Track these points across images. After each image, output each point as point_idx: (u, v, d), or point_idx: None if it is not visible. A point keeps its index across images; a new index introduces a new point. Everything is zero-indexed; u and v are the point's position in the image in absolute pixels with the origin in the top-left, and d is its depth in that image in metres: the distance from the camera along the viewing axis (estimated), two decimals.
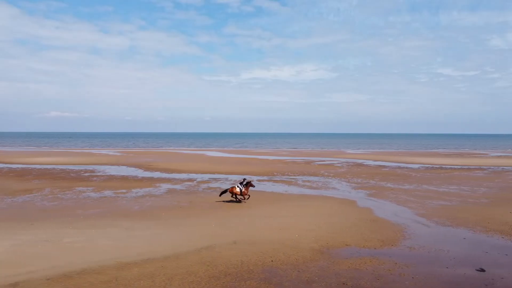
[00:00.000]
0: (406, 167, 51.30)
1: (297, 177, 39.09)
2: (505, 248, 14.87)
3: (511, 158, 69.89)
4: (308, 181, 36.09)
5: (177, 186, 31.76)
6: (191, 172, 42.55)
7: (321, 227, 17.88)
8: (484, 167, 50.61)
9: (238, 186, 24.16)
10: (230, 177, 38.86)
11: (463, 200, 25.58)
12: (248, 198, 24.62)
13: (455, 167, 51.45)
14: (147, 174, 41.18)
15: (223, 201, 24.55)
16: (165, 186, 31.64)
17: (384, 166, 52.35)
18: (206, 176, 39.05)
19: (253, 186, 25.62)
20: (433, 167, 51.67)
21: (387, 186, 32.82)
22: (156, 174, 40.72)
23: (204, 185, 32.54)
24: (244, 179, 25.21)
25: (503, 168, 49.35)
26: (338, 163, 56.58)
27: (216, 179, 36.77)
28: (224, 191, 24.43)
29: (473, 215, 20.74)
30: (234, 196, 24.28)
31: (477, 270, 12.43)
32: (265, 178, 38.01)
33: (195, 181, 35.13)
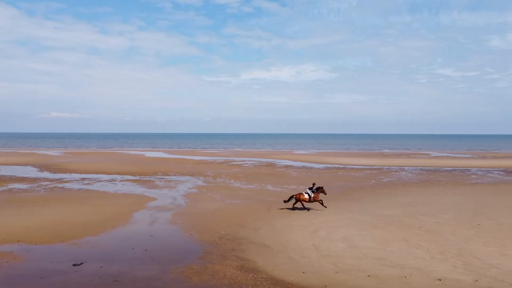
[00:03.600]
0: (309, 167, 51.81)
1: (171, 177, 39.60)
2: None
3: (441, 159, 69.83)
4: (169, 181, 36.66)
5: (27, 186, 32.51)
6: (85, 173, 42.98)
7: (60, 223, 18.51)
8: (384, 167, 50.89)
9: (306, 192, 22.32)
10: (105, 177, 39.57)
11: (253, 198, 26.05)
12: (322, 203, 22.46)
13: (357, 167, 51.70)
14: (37, 174, 41.77)
15: (287, 209, 22.53)
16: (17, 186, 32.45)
17: (289, 166, 52.77)
18: (89, 176, 39.89)
19: (325, 193, 22.99)
20: (335, 167, 52.01)
21: (236, 185, 33.36)
22: (45, 175, 41.50)
23: (60, 185, 33.31)
24: (314, 184, 23.20)
25: (389, 168, 49.56)
26: (251, 164, 57.01)
27: (89, 179, 37.55)
28: (291, 198, 22.49)
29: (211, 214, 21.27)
30: (297, 203, 22.40)
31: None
32: (129, 177, 38.70)
33: (57, 181, 35.90)
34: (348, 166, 52.78)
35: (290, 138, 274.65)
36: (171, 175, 41.01)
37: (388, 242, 15.45)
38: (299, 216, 20.72)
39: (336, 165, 54.34)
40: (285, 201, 22.84)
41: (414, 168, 50.97)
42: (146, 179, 37.80)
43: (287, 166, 52.89)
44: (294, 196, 22.51)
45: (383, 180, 37.57)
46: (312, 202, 22.39)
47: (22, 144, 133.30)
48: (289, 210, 22.39)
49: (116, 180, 36.78)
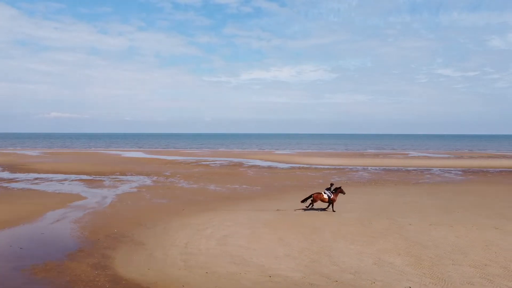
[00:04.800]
0: (274, 167, 52.20)
1: (125, 177, 39.91)
2: None
3: (414, 159, 70.00)
4: (119, 180, 37.00)
5: None
6: (43, 173, 43.29)
7: None
8: (348, 167, 51.16)
9: (325, 192, 21.54)
10: (59, 176, 39.97)
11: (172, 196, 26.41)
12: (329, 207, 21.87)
13: (321, 167, 52.00)
14: None
15: (304, 209, 21.91)
16: None
17: (254, 166, 53.09)
18: (44, 176, 40.38)
19: (343, 193, 22.24)
20: (299, 167, 52.32)
21: (180, 185, 33.75)
22: (2, 174, 41.96)
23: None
24: (332, 184, 22.41)
25: (353, 168, 49.79)
26: (219, 164, 57.37)
27: (41, 179, 37.99)
28: (308, 198, 21.74)
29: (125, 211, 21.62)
30: (312, 203, 21.64)
31: None
32: (83, 177, 39.08)
33: (7, 181, 36.34)
34: (313, 166, 53.05)
35: (287, 138, 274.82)
36: (127, 175, 41.38)
37: (261, 240, 15.73)
38: (202, 215, 20.96)
39: (302, 165, 54.61)
40: (302, 201, 21.84)
41: (378, 168, 51.19)
42: (98, 179, 38.15)
43: (251, 166, 53.18)
44: (312, 196, 21.53)
45: (331, 180, 37.79)
46: (330, 202, 21.46)
47: (12, 144, 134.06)
48: (201, 209, 22.66)
49: (67, 180, 37.13)
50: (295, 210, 21.99)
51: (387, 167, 51.88)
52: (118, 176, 40.15)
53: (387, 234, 16.61)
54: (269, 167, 52.16)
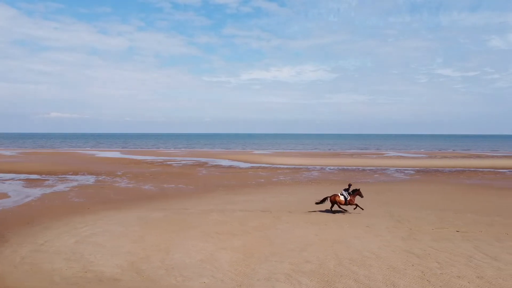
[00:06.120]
0: (235, 167, 52.56)
1: (73, 176, 40.34)
2: None
3: (383, 159, 70.13)
4: (63, 180, 37.43)
5: None
6: None
7: None
8: (307, 167, 51.50)
9: (342, 194, 20.93)
10: (7, 176, 40.47)
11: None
12: (355, 208, 21.13)
13: (280, 166, 52.34)
14: None
15: (319, 211, 21.36)
16: None
17: (214, 166, 53.48)
18: None
19: (362, 196, 21.25)
20: (258, 166, 52.66)
21: (117, 185, 34.13)
22: None
23: None
24: (350, 185, 21.62)
25: (310, 167, 50.11)
26: (182, 164, 57.78)
27: None
28: (324, 200, 21.13)
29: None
30: (333, 205, 21.11)
31: None
32: (30, 177, 39.51)
33: None
34: (272, 166, 53.35)
35: (283, 138, 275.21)
36: (78, 174, 41.83)
37: (121, 238, 16.08)
38: (98, 213, 21.35)
39: (262, 165, 54.91)
40: (317, 203, 21.24)
41: (336, 167, 51.34)
42: (44, 178, 38.59)
43: (212, 166, 53.52)
44: (329, 198, 20.92)
45: (273, 180, 38.14)
46: (347, 205, 20.80)
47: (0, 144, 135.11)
48: (106, 208, 23.04)
49: (12, 179, 37.45)
50: (202, 209, 22.35)
51: (346, 167, 52.13)
52: (67, 176, 40.61)
53: (252, 232, 16.94)
54: (229, 167, 52.51)
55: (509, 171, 46.97)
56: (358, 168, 50.21)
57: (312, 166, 52.80)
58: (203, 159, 66.12)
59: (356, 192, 20.94)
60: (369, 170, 48.53)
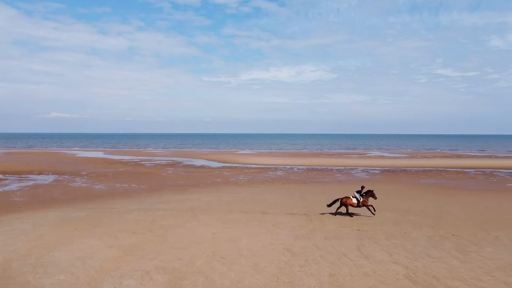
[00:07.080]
0: (206, 166, 52.74)
1: (36, 176, 40.64)
2: None
3: (360, 159, 70.16)
4: (22, 179, 37.73)
5: None
6: None
7: None
8: (276, 167, 51.62)
9: (354, 196, 20.24)
10: None
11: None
12: (374, 211, 20.34)
13: (251, 166, 52.51)
14: None
15: (331, 213, 20.68)
16: None
17: (187, 166, 53.68)
18: None
19: (375, 198, 20.69)
20: (230, 166, 52.83)
21: (71, 184, 34.39)
22: None
23: None
24: (362, 187, 20.96)
25: (280, 167, 50.23)
26: (157, 163, 58.05)
27: None
28: (335, 201, 20.46)
29: None
30: (340, 207, 20.60)
31: None
32: None
33: None
34: (242, 166, 53.51)
35: (279, 138, 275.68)
36: (43, 174, 42.14)
37: (21, 237, 16.27)
38: (26, 212, 21.54)
39: (233, 165, 55.11)
40: (328, 206, 20.59)
41: (305, 167, 51.43)
42: (3, 178, 38.91)
43: (183, 166, 53.72)
44: (340, 200, 20.26)
45: (231, 179, 38.30)
46: (360, 207, 20.24)
47: None
48: (39, 207, 23.25)
49: None
50: (133, 209, 22.52)
51: (315, 167, 52.22)
52: (30, 176, 40.87)
53: (155, 230, 17.06)
54: (200, 167, 52.68)
55: (475, 171, 46.99)
56: (326, 168, 50.30)
57: (282, 166, 52.94)
58: (179, 159, 66.37)
59: (369, 194, 20.41)
60: (336, 170, 48.62)
